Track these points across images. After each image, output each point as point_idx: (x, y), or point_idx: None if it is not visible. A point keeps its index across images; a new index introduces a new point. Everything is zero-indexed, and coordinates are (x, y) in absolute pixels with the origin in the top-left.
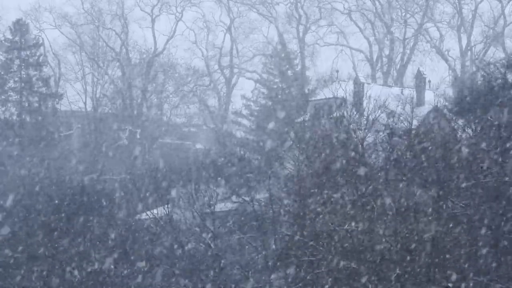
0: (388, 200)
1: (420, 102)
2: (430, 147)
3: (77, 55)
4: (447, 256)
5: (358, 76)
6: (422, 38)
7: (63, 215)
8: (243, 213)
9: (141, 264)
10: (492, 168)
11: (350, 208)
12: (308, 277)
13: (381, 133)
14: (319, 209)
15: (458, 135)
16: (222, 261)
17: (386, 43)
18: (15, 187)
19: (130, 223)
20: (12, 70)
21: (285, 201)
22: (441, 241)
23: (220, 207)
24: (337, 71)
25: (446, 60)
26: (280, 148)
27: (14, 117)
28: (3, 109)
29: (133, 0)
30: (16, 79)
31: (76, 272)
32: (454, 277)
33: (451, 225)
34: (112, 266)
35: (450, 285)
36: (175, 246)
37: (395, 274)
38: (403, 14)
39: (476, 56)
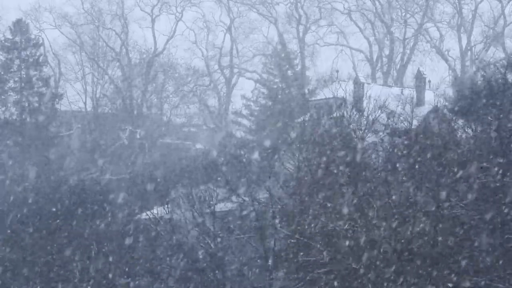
0: (388, 200)
1: (420, 102)
2: (430, 147)
3: (77, 55)
4: (447, 256)
5: (358, 76)
6: (422, 38)
7: (62, 215)
8: (243, 213)
9: (141, 264)
10: (492, 168)
11: (350, 208)
12: (308, 277)
13: (381, 133)
14: (319, 209)
15: (458, 135)
16: (222, 261)
17: (386, 43)
18: (14, 187)
19: (130, 223)
20: (12, 70)
21: (285, 201)
22: (441, 241)
23: (220, 207)
24: (337, 71)
25: (446, 60)
26: (280, 148)
27: (14, 117)
28: (3, 109)
29: (133, 0)
30: (16, 79)
31: (76, 272)
32: (454, 277)
33: (451, 225)
34: (112, 266)
35: (450, 285)
36: (175, 246)
37: (395, 274)
38: (403, 14)
39: (476, 56)
